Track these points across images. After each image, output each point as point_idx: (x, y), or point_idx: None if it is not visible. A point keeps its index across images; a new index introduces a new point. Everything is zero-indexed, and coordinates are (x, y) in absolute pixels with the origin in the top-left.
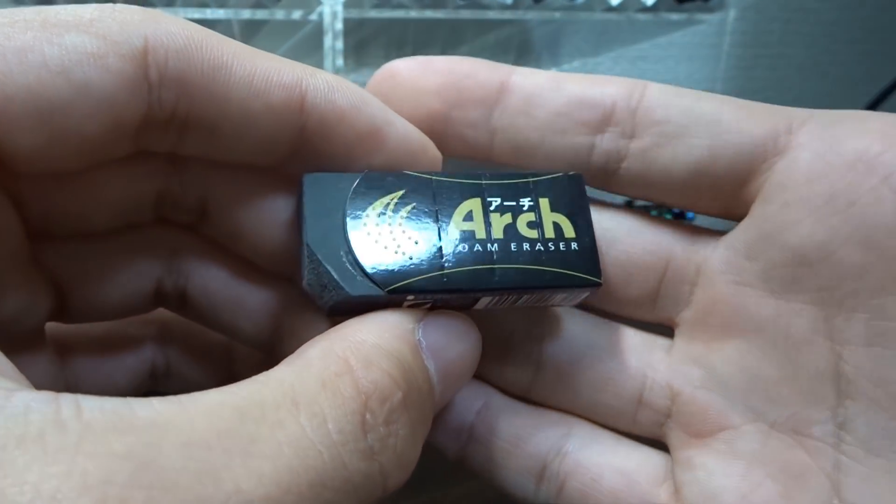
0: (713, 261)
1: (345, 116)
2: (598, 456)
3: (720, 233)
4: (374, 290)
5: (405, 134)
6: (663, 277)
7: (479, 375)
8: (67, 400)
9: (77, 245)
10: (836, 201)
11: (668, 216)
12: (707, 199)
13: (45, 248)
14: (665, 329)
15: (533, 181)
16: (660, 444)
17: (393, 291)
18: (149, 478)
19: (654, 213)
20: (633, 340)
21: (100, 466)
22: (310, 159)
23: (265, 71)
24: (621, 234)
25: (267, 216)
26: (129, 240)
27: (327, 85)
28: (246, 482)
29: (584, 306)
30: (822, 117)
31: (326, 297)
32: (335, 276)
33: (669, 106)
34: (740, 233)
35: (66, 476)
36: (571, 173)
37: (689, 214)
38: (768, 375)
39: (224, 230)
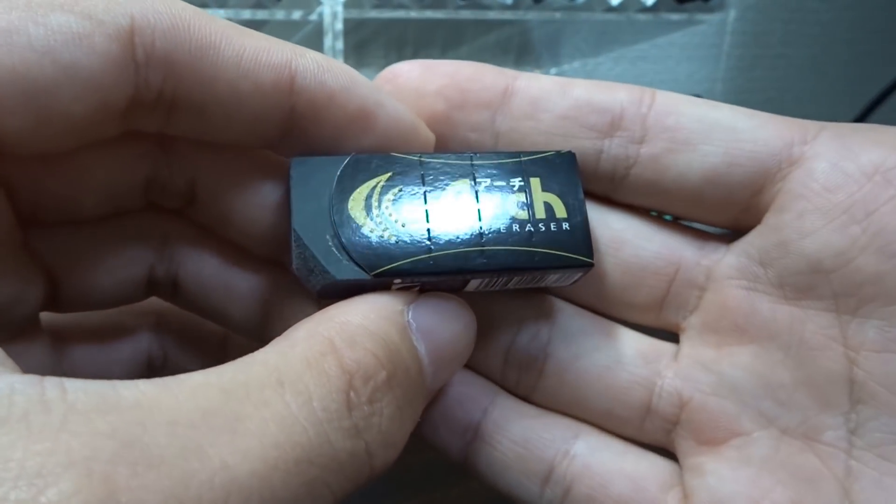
0: (724, 266)
1: (335, 97)
2: (606, 460)
3: (728, 238)
4: (359, 275)
5: (396, 115)
6: (672, 282)
7: (484, 375)
8: (52, 382)
9: (68, 232)
10: (854, 211)
11: (669, 214)
12: (718, 209)
13: (36, 234)
14: (665, 334)
15: (524, 160)
16: (664, 450)
17: (379, 275)
18: (133, 455)
19: (653, 212)
20: (641, 346)
21: (84, 444)
22: (300, 140)
23: (254, 51)
24: (631, 237)
25: (255, 200)
26: (119, 226)
27: (317, 65)
28: (232, 458)
29: (589, 308)
30: (835, 129)
31: (314, 280)
32: (321, 261)
33: (681, 113)
34: (753, 239)
35: (50, 453)
36: (563, 151)
37: None
38: (781, 380)
39: (213, 214)
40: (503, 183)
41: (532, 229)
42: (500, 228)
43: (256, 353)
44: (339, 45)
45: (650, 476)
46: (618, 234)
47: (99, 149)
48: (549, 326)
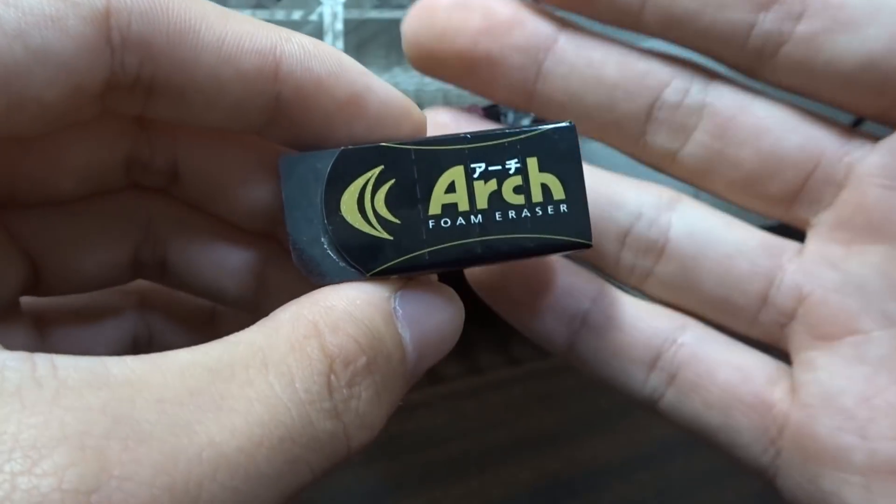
0: (868, 164)
1: (322, 84)
2: (714, 351)
3: (874, 136)
4: (355, 276)
5: (386, 99)
6: (810, 176)
7: (595, 264)
8: (42, 358)
9: (47, 213)
10: None
11: None
12: (868, 98)
13: (14, 217)
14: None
15: (520, 139)
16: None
17: (375, 274)
18: (125, 430)
19: None
20: (765, 239)
21: (77, 419)
22: (288, 126)
23: (237, 35)
24: (773, 125)
25: (240, 175)
26: (101, 208)
27: (304, 51)
28: (219, 435)
29: (718, 196)
30: None
31: (313, 278)
32: (317, 263)
33: None
34: None
35: (44, 426)
36: (562, 125)
37: None
38: None
39: (197, 192)
40: (498, 167)
41: (529, 214)
42: (495, 217)
43: (242, 332)
44: (340, 45)
45: (757, 368)
46: (760, 121)
47: (76, 129)
48: (669, 213)
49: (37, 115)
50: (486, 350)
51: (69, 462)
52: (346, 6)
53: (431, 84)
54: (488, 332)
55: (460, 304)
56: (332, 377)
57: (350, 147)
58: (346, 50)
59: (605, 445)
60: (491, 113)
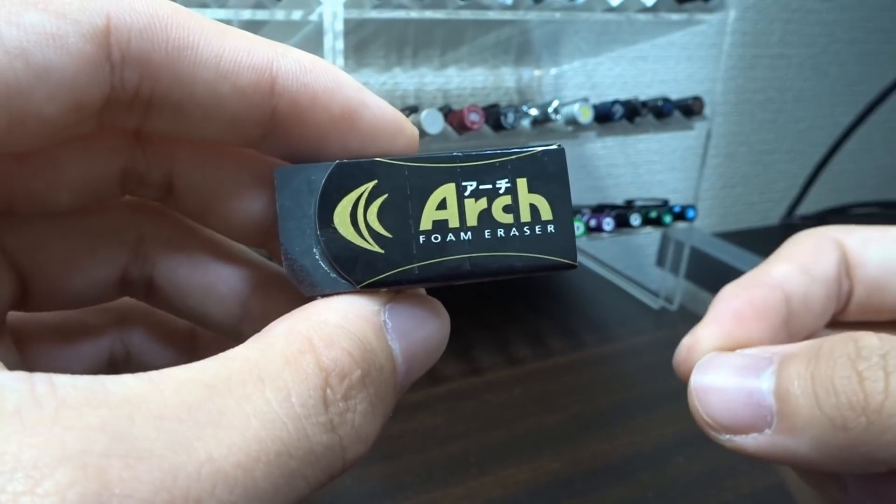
0: None
1: (318, 99)
2: None
3: None
4: (347, 287)
5: (380, 114)
6: None
7: None
8: (41, 378)
9: (40, 228)
10: None
11: (668, 216)
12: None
13: (7, 233)
14: None
15: (510, 160)
16: None
17: (365, 286)
18: (124, 448)
19: (653, 213)
20: None
21: (77, 438)
22: (284, 140)
23: (234, 51)
24: None
25: (234, 188)
26: (94, 225)
27: (300, 66)
28: (217, 451)
29: None
30: None
31: (304, 289)
32: (308, 274)
33: None
34: None
35: (45, 446)
36: (551, 147)
37: (690, 213)
38: None
39: (192, 204)
40: (489, 186)
41: (517, 233)
42: (484, 235)
43: (237, 348)
44: (339, 45)
45: None
46: None
47: (74, 142)
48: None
49: (37, 130)
50: (485, 350)
51: (71, 481)
52: (347, 6)
53: (431, 84)
54: (488, 332)
55: (447, 317)
56: (328, 391)
57: (345, 161)
58: (346, 50)
59: (605, 445)
60: (491, 113)
